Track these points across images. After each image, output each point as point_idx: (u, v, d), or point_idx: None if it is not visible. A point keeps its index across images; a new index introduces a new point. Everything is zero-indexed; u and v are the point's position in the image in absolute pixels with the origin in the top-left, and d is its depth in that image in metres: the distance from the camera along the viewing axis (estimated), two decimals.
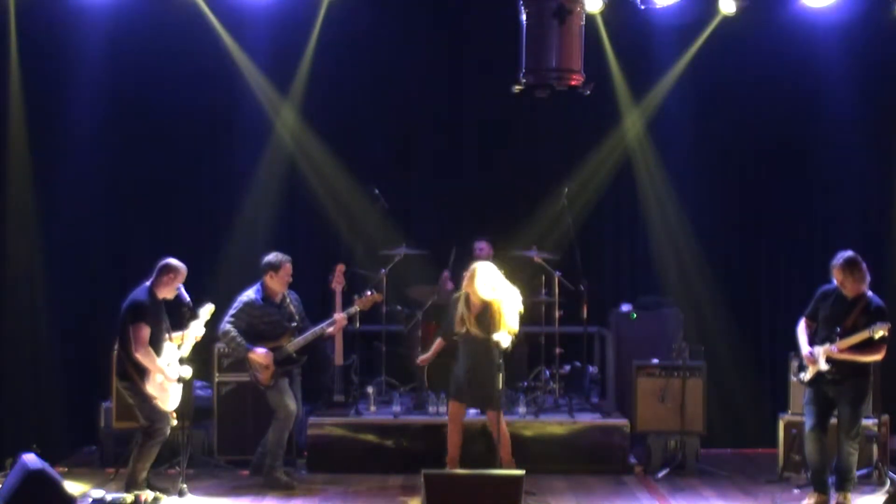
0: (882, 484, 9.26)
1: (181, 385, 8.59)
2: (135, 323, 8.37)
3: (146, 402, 8.46)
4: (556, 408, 10.32)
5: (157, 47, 10.82)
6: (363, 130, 11.50)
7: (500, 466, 8.43)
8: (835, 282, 8.42)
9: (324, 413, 10.25)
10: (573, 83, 8.49)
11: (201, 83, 11.08)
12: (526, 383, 10.74)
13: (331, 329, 9.35)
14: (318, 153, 11.36)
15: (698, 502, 8.96)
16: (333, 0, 10.87)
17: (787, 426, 9.57)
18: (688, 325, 10.96)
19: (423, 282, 10.93)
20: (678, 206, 11.40)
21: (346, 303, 9.71)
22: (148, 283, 8.57)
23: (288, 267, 9.20)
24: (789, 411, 9.62)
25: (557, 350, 10.49)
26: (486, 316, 8.69)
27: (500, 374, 8.34)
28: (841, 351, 8.25)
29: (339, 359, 10.53)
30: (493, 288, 8.71)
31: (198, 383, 9.95)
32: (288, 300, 9.27)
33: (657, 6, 10.38)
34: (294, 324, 9.20)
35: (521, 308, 8.76)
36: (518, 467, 7.97)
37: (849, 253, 8.38)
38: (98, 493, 8.63)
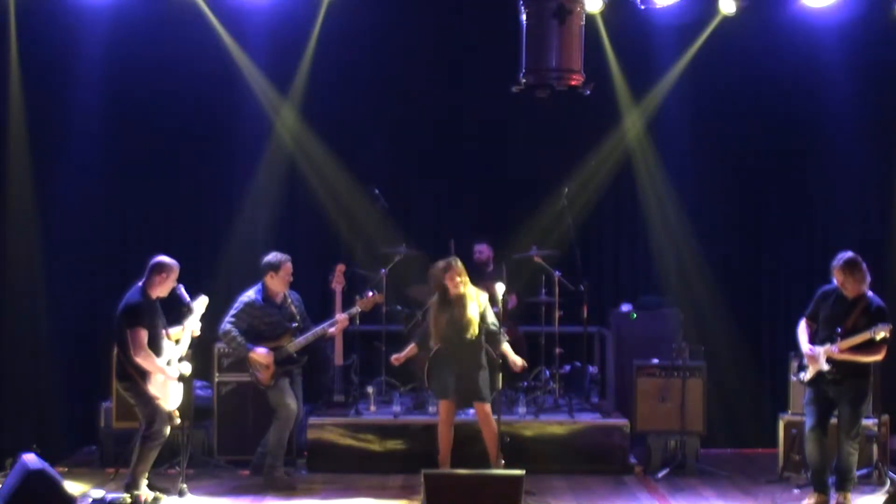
0: (882, 484, 9.26)
1: (182, 383, 8.58)
2: (131, 327, 8.33)
3: (148, 403, 8.44)
4: (556, 408, 10.31)
5: (157, 47, 10.83)
6: (363, 130, 11.51)
7: (490, 461, 8.49)
8: (835, 282, 8.42)
9: (324, 413, 10.25)
10: (573, 83, 8.49)
11: (201, 83, 11.10)
12: (526, 383, 10.74)
13: (332, 330, 9.33)
14: (318, 153, 11.36)
15: (698, 502, 8.95)
16: (333, 0, 10.88)
17: (787, 426, 9.57)
18: (688, 325, 10.96)
19: (423, 282, 10.87)
20: (678, 206, 11.40)
21: (347, 303, 9.71)
22: (140, 284, 8.52)
23: (288, 267, 9.18)
24: (789, 411, 9.62)
25: (557, 350, 10.49)
26: (460, 311, 8.79)
27: (497, 372, 8.37)
28: (842, 351, 8.25)
29: (339, 359, 10.54)
30: (463, 282, 8.84)
31: (198, 383, 9.94)
32: (289, 300, 9.25)
33: (657, 6, 10.37)
34: (295, 324, 9.19)
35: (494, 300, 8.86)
36: (518, 467, 7.96)
37: (849, 253, 8.37)
38: (98, 493, 8.62)
